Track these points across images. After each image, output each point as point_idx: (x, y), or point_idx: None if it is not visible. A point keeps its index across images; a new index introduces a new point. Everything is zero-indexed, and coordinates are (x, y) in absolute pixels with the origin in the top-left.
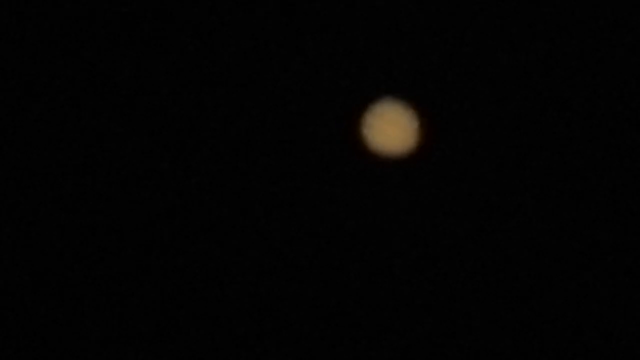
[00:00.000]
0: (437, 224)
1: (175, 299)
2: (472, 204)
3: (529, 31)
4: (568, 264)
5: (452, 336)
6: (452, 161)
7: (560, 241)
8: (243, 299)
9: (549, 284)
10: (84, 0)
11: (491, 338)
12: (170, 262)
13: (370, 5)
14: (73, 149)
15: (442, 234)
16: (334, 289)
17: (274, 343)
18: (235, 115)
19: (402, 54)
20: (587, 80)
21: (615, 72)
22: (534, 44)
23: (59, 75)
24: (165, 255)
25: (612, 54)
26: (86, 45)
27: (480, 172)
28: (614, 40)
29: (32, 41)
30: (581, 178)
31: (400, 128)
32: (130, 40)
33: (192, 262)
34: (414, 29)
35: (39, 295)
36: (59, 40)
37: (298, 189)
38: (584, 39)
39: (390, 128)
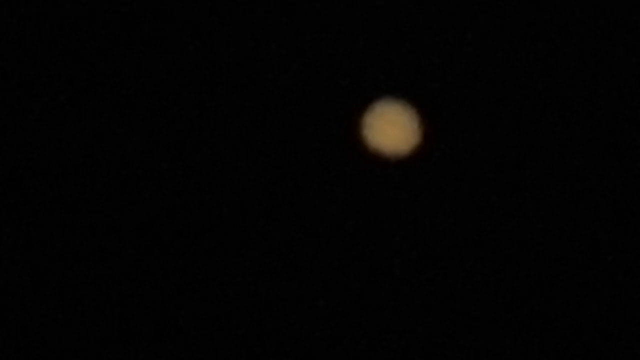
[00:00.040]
0: (437, 224)
1: (176, 299)
2: (472, 204)
3: (529, 31)
4: (568, 263)
5: (452, 336)
6: (452, 161)
7: (561, 241)
8: (243, 299)
9: (549, 284)
10: (84, 0)
11: (491, 338)
12: (170, 262)
13: (370, 6)
14: (73, 148)
15: (442, 234)
16: (334, 289)
17: (274, 343)
18: (235, 115)
19: (402, 54)
20: (587, 80)
21: (616, 72)
22: (534, 44)
23: (59, 75)
24: (165, 255)
25: (612, 54)
26: (86, 45)
27: (479, 171)
28: (614, 40)
29: (32, 41)
30: (581, 178)
31: (400, 128)
32: (130, 40)
33: (192, 262)
34: (414, 29)
35: (39, 296)
36: (59, 40)
37: (298, 189)
38: (584, 39)
39: (390, 128)
